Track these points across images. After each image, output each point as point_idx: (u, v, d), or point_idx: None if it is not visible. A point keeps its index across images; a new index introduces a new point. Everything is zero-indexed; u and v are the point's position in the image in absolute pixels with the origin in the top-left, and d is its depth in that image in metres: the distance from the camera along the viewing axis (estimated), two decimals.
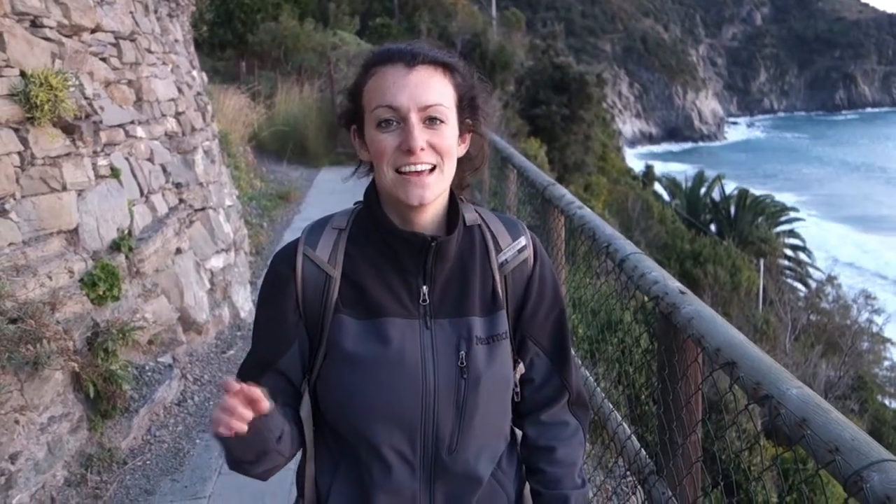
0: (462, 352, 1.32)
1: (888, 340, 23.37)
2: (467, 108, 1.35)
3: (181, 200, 5.57)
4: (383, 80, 1.27)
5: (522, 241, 1.42)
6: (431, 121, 1.26)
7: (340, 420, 1.35)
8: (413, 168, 1.25)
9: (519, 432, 1.52)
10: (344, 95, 1.37)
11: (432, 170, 1.27)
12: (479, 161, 1.43)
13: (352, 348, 1.31)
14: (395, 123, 1.26)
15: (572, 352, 1.47)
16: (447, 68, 1.31)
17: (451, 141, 1.29)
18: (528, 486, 1.51)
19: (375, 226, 1.34)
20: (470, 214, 1.41)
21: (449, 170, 1.30)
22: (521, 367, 1.44)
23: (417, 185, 1.26)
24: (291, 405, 1.39)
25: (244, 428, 1.17)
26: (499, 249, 1.40)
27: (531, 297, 1.41)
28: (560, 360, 1.45)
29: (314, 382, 1.37)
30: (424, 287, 1.34)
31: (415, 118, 1.25)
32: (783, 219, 34.75)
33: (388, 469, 1.32)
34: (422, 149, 1.24)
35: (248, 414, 1.17)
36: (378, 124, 1.27)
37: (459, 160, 1.37)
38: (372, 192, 1.37)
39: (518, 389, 1.44)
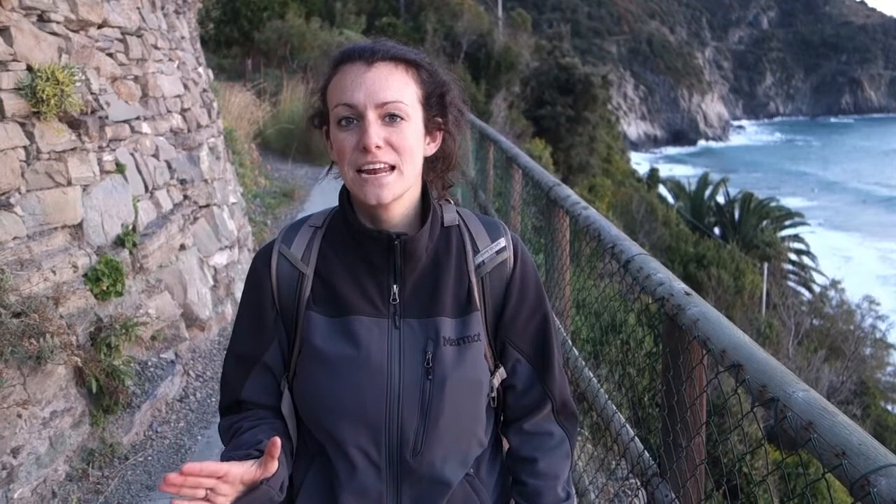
0: (429, 352, 1.30)
1: (891, 346, 23.32)
2: (436, 105, 1.32)
3: (186, 197, 5.57)
4: (343, 78, 1.26)
5: (501, 242, 1.39)
6: (391, 118, 1.24)
7: (309, 416, 1.34)
8: (370, 167, 1.23)
9: (506, 442, 1.49)
10: (315, 96, 1.35)
11: (392, 169, 1.25)
12: (451, 160, 1.40)
13: (320, 346, 1.31)
14: (354, 121, 1.24)
15: (557, 359, 1.43)
16: (409, 65, 1.29)
17: (411, 139, 1.26)
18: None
19: (347, 225, 1.34)
20: (449, 215, 1.39)
21: (410, 169, 1.28)
22: (501, 372, 1.41)
23: (374, 184, 1.24)
24: (279, 406, 1.38)
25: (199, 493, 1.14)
26: (476, 250, 1.37)
27: (511, 300, 1.38)
28: (542, 366, 1.41)
29: (291, 379, 1.37)
30: (395, 286, 1.32)
31: (372, 115, 1.23)
32: (788, 223, 34.68)
33: (354, 469, 1.31)
34: (378, 146, 1.22)
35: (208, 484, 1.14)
36: (338, 122, 1.26)
37: (431, 159, 1.35)
38: (344, 192, 1.36)
39: (494, 395, 1.41)
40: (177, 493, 1.11)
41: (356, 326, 1.30)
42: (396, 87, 1.25)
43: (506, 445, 1.49)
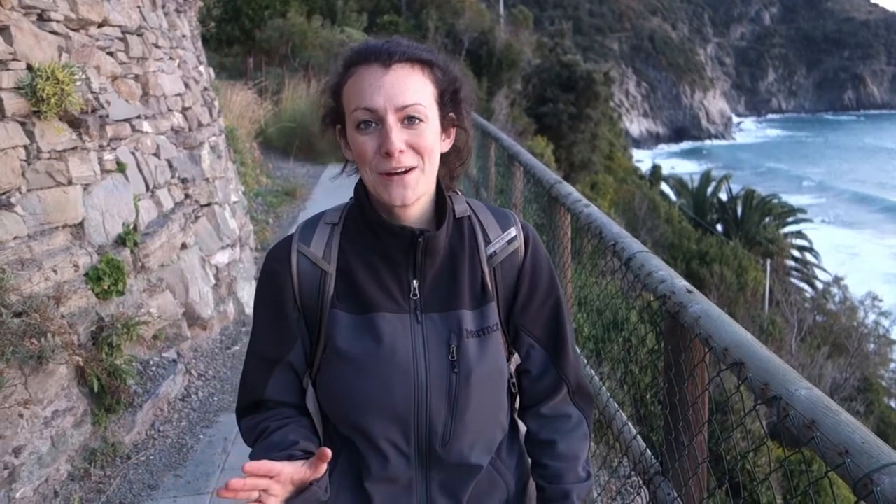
0: (453, 346, 1.32)
1: (895, 342, 23.24)
2: (449, 102, 1.33)
3: (187, 196, 5.56)
4: (360, 81, 1.26)
5: (512, 231, 1.42)
6: (410, 120, 1.25)
7: (337, 413, 1.36)
8: (394, 171, 1.24)
9: (522, 424, 1.52)
10: (326, 94, 1.35)
11: (413, 169, 1.26)
12: (465, 154, 1.42)
13: (345, 344, 1.32)
14: (373, 125, 1.25)
15: (570, 342, 1.46)
16: (425, 65, 1.29)
17: (431, 140, 1.28)
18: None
19: (365, 221, 1.34)
20: (460, 206, 1.41)
21: (430, 168, 1.29)
22: (516, 358, 1.43)
23: (399, 185, 1.25)
24: (302, 404, 1.40)
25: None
26: (488, 241, 1.40)
27: (523, 288, 1.41)
28: (556, 351, 1.44)
29: (315, 376, 1.39)
30: (414, 282, 1.34)
31: (392, 119, 1.24)
32: (790, 219, 34.60)
33: (386, 460, 1.33)
34: (401, 151, 1.23)
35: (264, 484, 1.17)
36: (357, 126, 1.26)
37: (445, 154, 1.36)
38: (361, 187, 1.36)
39: (514, 381, 1.45)
40: (235, 498, 1.12)
41: (381, 323, 1.32)
42: (415, 89, 1.26)
43: (522, 428, 1.51)
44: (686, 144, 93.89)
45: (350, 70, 1.28)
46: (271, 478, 1.16)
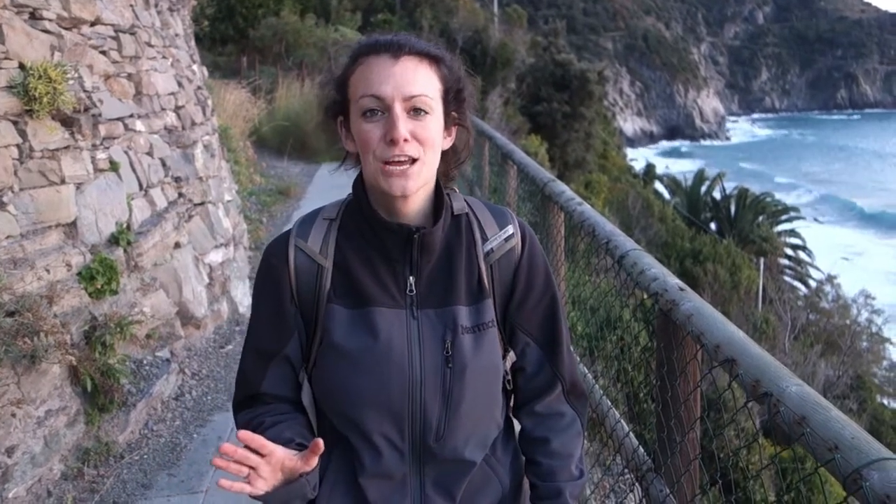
0: (447, 341, 1.33)
1: (887, 340, 23.35)
2: (453, 100, 1.35)
3: (180, 195, 5.55)
4: (369, 70, 1.27)
5: (510, 229, 1.42)
6: (416, 111, 1.27)
7: (332, 407, 1.37)
8: (396, 159, 1.25)
9: (516, 422, 1.52)
10: (330, 86, 1.36)
11: (415, 161, 1.27)
12: (464, 154, 1.43)
13: (342, 338, 1.33)
14: (379, 113, 1.26)
15: (566, 341, 1.47)
16: (433, 60, 1.31)
17: (435, 132, 1.29)
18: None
19: (363, 217, 1.35)
20: (458, 203, 1.41)
21: (432, 161, 1.31)
22: (511, 356, 1.44)
23: (400, 176, 1.26)
24: (298, 399, 1.41)
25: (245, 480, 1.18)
26: (485, 238, 1.41)
27: (519, 285, 1.41)
28: (551, 349, 1.44)
29: (310, 371, 1.39)
30: (411, 277, 1.35)
31: (399, 108, 1.25)
32: (783, 218, 34.68)
33: (379, 455, 1.34)
34: (405, 140, 1.24)
35: (257, 460, 1.19)
36: (363, 114, 1.27)
37: (444, 153, 1.37)
38: (359, 183, 1.37)
39: (510, 378, 1.46)
40: (226, 468, 1.15)
41: (377, 318, 1.33)
42: (423, 81, 1.28)
43: (517, 426, 1.52)
44: (665, 144, 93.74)
45: (358, 60, 1.30)
46: (263, 456, 1.18)
